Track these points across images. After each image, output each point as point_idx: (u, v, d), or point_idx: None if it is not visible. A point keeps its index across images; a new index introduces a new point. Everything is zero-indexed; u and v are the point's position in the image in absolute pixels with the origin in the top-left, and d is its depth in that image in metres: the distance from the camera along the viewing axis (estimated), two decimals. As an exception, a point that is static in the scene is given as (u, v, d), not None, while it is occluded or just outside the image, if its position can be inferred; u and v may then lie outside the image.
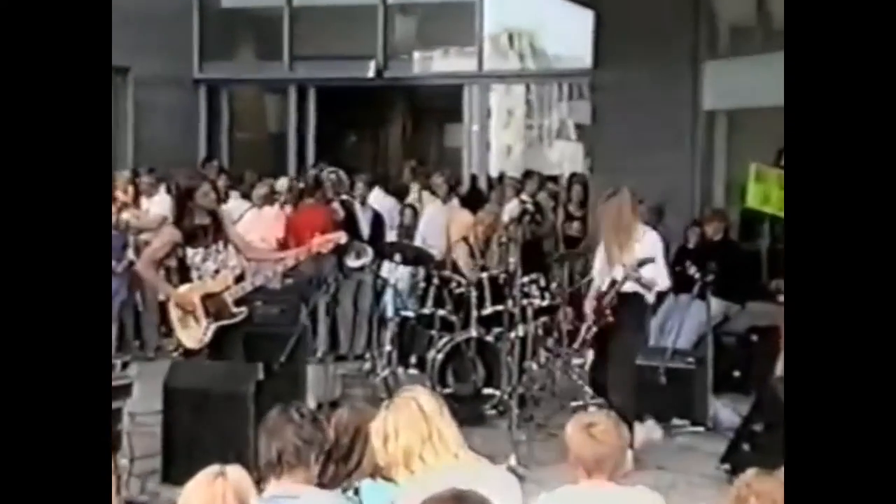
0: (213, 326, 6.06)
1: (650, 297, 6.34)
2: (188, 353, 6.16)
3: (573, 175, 11.82)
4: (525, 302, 7.27)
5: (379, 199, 10.30)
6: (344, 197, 9.62)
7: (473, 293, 7.58)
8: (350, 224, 9.20)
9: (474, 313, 7.53)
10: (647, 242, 6.24)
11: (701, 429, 6.85)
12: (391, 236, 9.76)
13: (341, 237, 6.50)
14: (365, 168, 12.08)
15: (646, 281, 6.17)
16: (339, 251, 7.47)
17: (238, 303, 6.14)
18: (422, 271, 8.13)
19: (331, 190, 9.60)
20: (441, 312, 7.66)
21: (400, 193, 10.86)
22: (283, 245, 8.96)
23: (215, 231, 6.14)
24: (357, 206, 9.66)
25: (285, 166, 12.81)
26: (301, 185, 9.76)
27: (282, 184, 9.81)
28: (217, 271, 6.13)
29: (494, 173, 13.35)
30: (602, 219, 6.36)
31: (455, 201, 10.16)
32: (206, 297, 6.08)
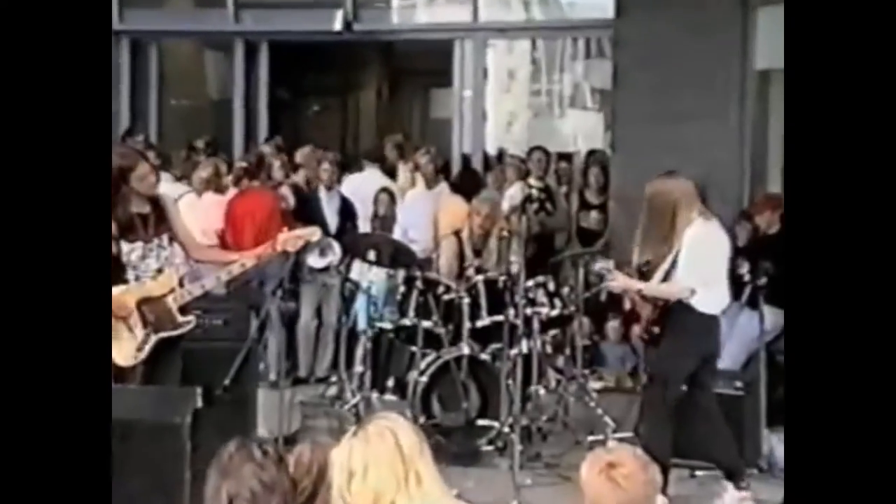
0: (154, 339, 6.04)
1: (711, 308, 6.20)
2: (119, 372, 6.03)
3: (591, 153, 11.73)
4: (530, 311, 7.31)
5: (369, 182, 10.13)
6: (297, 178, 9.61)
7: (466, 300, 7.48)
8: (308, 213, 9.04)
9: (467, 325, 7.45)
10: (704, 238, 6.14)
11: (753, 471, 6.72)
12: (366, 229, 9.57)
13: (315, 233, 6.44)
14: (331, 144, 11.99)
15: (661, 292, 6.11)
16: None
17: (182, 310, 6.14)
18: (402, 273, 7.94)
19: (279, 170, 9.59)
20: (425, 324, 7.52)
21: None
22: (222, 240, 9.01)
23: (157, 222, 6.12)
24: (322, 191, 9.58)
25: (230, 141, 12.67)
26: (244, 164, 9.71)
27: (237, 166, 9.61)
28: (160, 270, 6.12)
29: (492, 150, 13.19)
30: (649, 204, 6.27)
31: (443, 185, 10.01)
32: (144, 303, 6.04)
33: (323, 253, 8.70)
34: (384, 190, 9.99)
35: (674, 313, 6.21)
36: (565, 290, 7.86)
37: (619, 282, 6.28)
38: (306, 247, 7.38)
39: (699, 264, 6.16)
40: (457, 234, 8.33)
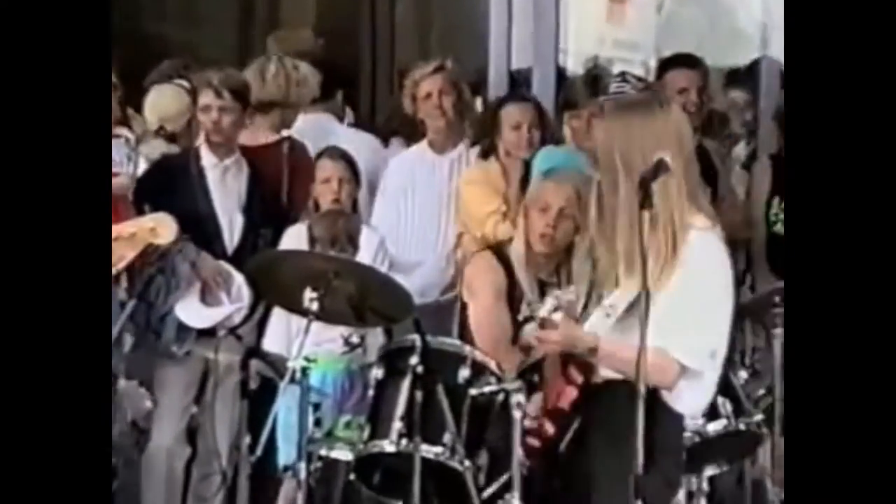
0: None
1: (686, 404, 5.85)
2: None
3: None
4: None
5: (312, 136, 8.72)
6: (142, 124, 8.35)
7: (519, 397, 6.90)
8: (173, 202, 7.97)
9: (519, 454, 6.96)
10: (711, 267, 6.02)
11: None
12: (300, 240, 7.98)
13: (163, 228, 7.07)
14: (222, 56, 10.37)
15: (623, 360, 5.70)
16: (147, 281, 7.46)
17: None
18: (378, 339, 7.38)
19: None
20: (430, 451, 6.96)
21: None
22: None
23: None
24: (206, 155, 7.87)
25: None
26: None
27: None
28: None
29: (576, 66, 12.45)
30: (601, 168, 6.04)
31: (466, 149, 8.66)
32: None
33: (208, 296, 7.58)
34: (331, 153, 8.37)
35: (606, 407, 5.82)
36: (743, 374, 7.09)
37: (548, 334, 5.73)
38: (151, 280, 7.59)
39: (702, 317, 5.80)
40: (500, 248, 7.67)
